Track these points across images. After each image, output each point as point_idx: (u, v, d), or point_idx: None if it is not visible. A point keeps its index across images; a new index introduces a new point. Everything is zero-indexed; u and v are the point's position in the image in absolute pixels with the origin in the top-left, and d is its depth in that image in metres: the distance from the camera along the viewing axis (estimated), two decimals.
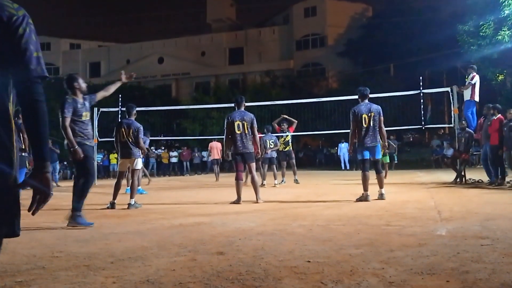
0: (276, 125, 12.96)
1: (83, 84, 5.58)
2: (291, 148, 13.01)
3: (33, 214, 1.77)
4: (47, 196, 1.79)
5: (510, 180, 10.08)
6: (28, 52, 1.71)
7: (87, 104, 5.61)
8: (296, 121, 13.19)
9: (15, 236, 1.72)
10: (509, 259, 2.96)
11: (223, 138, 8.35)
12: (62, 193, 11.96)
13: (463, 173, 10.80)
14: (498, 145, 9.58)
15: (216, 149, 18.19)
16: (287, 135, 12.82)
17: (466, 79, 11.33)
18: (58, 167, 16.99)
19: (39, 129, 1.74)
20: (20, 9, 1.73)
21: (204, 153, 25.93)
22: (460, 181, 10.69)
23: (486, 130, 9.95)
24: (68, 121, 5.40)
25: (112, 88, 6.21)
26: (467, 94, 11.10)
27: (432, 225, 4.52)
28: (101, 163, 25.59)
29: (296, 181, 12.69)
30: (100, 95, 6.01)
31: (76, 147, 5.32)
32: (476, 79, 10.91)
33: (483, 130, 10.23)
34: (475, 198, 7.22)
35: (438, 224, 4.59)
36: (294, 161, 13.07)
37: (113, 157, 25.93)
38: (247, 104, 7.98)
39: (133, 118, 7.78)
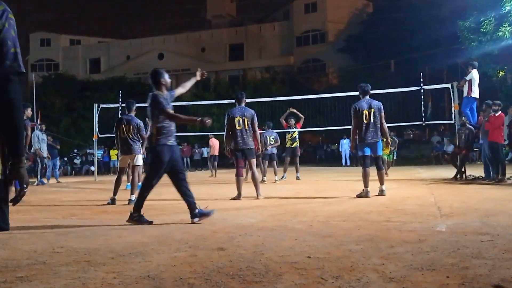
0: (283, 121, 12.93)
1: (168, 80, 5.45)
2: (298, 144, 13.02)
3: (13, 205, 1.79)
4: (22, 191, 1.79)
5: (511, 176, 10.09)
6: (5, 48, 1.69)
7: (169, 100, 5.43)
8: (304, 117, 13.18)
9: (2, 230, 1.72)
10: (509, 255, 2.96)
11: (222, 134, 8.34)
12: (62, 189, 11.99)
13: (463, 170, 10.81)
14: (499, 142, 9.57)
15: (215, 145, 18.24)
16: (294, 131, 12.82)
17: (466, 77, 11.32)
18: (58, 163, 16.97)
19: (15, 126, 1.72)
20: (0, 4, 1.72)
21: (204, 150, 25.93)
22: (460, 177, 10.70)
23: (484, 126, 9.95)
24: (171, 111, 5.22)
25: (188, 85, 6.04)
26: (464, 91, 11.09)
27: (432, 221, 4.53)
28: (101, 159, 25.59)
29: (297, 178, 12.70)
30: (178, 91, 5.84)
31: (199, 118, 5.19)
32: (471, 75, 10.84)
33: (481, 127, 10.23)
34: (475, 194, 7.22)
35: (438, 220, 4.59)
36: (298, 158, 13.09)
37: (113, 153, 25.95)
38: (247, 100, 7.97)
39: (133, 114, 7.78)
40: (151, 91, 5.19)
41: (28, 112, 9.54)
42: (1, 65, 1.68)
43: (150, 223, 4.86)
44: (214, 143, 18.31)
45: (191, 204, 4.93)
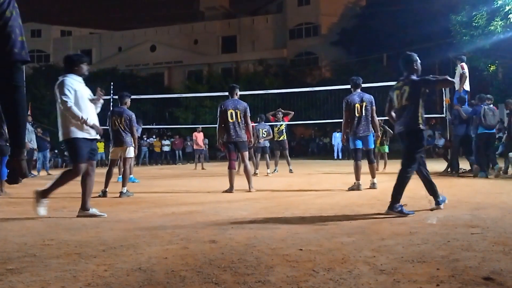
0: (270, 116, 12.93)
1: None
2: (285, 138, 12.99)
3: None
4: (17, 182, 1.78)
5: (501, 167, 10.17)
6: (14, 35, 1.66)
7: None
8: (293, 112, 13.18)
9: None
10: (498, 247, 2.99)
11: (215, 126, 8.32)
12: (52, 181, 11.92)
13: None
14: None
15: (199, 139, 18.22)
16: (281, 124, 12.81)
17: (456, 70, 11.34)
18: (48, 155, 16.83)
19: (18, 116, 1.69)
20: None
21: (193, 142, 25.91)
22: (451, 171, 10.76)
23: (475, 120, 9.99)
24: None
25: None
26: (456, 86, 11.11)
27: (423, 214, 4.56)
28: None
29: (290, 171, 12.71)
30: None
31: None
32: (460, 69, 10.85)
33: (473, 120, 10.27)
34: (465, 188, 7.28)
35: (429, 213, 4.63)
36: (287, 152, 13.08)
37: (100, 145, 25.76)
38: (240, 92, 7.95)
39: (125, 106, 7.74)
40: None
41: None
42: (10, 52, 1.65)
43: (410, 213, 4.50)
44: (198, 137, 18.28)
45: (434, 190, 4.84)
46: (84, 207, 4.96)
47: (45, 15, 53.67)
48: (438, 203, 4.82)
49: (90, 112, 4.97)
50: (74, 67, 4.98)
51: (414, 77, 4.89)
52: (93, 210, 4.96)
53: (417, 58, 5.02)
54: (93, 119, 5.00)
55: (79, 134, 4.86)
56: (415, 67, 4.94)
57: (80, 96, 4.91)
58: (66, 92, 4.79)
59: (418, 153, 4.82)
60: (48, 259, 2.95)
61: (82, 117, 4.84)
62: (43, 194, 4.93)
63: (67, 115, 4.83)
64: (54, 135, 16.97)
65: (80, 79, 5.00)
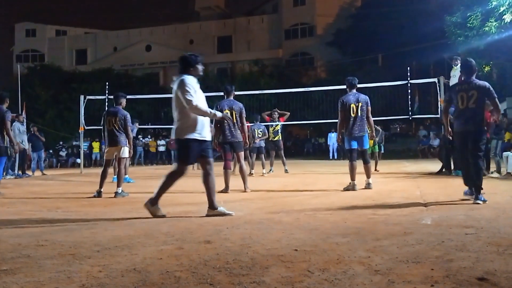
0: (265, 115, 12.93)
1: None
2: (280, 138, 13.00)
3: None
4: None
5: (494, 170, 10.22)
6: None
7: None
8: (288, 113, 13.19)
9: None
10: (492, 248, 3.00)
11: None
12: (48, 181, 11.87)
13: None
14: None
15: None
16: (277, 124, 12.82)
17: (453, 70, 11.38)
18: (43, 155, 16.75)
19: None
20: None
21: None
22: (446, 171, 10.80)
23: None
24: None
25: None
26: (453, 83, 11.16)
27: (418, 214, 4.57)
28: (88, 152, 25.35)
29: (286, 171, 12.72)
30: None
31: None
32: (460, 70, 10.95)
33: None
34: (460, 188, 7.27)
35: (423, 213, 4.64)
36: (282, 152, 13.08)
37: (95, 145, 25.70)
38: (235, 93, 7.95)
39: (120, 107, 7.72)
40: None
41: (7, 101, 9.17)
42: None
43: None
44: None
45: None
46: (212, 206, 4.81)
47: (40, 15, 53.61)
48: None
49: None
50: (190, 68, 4.87)
51: (480, 82, 5.51)
52: (221, 209, 4.83)
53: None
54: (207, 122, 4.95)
55: (192, 136, 4.78)
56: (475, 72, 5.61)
57: (199, 97, 4.85)
58: (189, 90, 4.69)
59: (483, 145, 5.58)
60: (42, 260, 2.94)
61: (210, 112, 4.90)
62: (153, 203, 4.87)
63: (189, 115, 4.75)
64: (48, 135, 16.94)
65: (196, 80, 4.91)
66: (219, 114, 5.14)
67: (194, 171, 16.11)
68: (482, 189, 5.27)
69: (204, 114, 4.82)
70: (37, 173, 15.38)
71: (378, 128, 12.79)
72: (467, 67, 5.69)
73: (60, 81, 36.78)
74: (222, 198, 6.62)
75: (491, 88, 5.41)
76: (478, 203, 5.12)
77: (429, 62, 30.41)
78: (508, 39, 15.76)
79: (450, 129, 6.03)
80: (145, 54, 48.49)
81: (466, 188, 5.69)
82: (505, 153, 9.73)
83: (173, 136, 4.92)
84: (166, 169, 20.62)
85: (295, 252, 3.02)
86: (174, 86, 4.81)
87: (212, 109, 7.72)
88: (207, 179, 4.95)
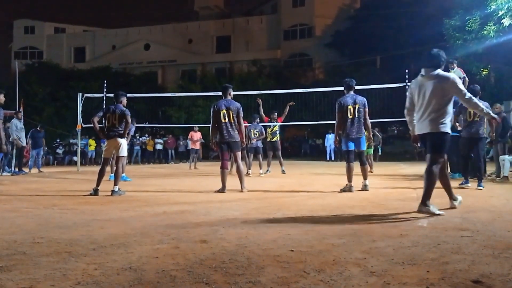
0: (263, 114, 12.91)
1: None
2: (278, 139, 13.00)
3: None
4: None
5: (491, 173, 10.25)
6: None
7: None
8: (287, 109, 13.18)
9: None
10: (488, 250, 3.01)
11: (208, 126, 8.31)
12: (44, 179, 11.84)
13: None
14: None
15: (195, 138, 18.26)
16: (275, 125, 12.81)
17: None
18: (42, 152, 16.70)
19: None
20: None
21: (189, 142, 25.84)
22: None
23: None
24: None
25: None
26: None
27: (414, 216, 4.57)
28: (85, 150, 25.28)
29: (283, 172, 12.72)
30: None
31: None
32: (460, 73, 11.01)
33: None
34: (456, 191, 7.30)
35: (419, 215, 4.64)
36: (280, 152, 13.08)
37: (92, 143, 25.64)
38: (233, 93, 7.94)
39: (121, 105, 7.72)
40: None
41: (0, 98, 9.16)
42: None
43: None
44: (194, 136, 18.30)
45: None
46: (424, 203, 4.61)
47: (39, 12, 53.52)
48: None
49: None
50: (442, 65, 4.89)
51: (484, 103, 6.62)
52: (432, 208, 4.59)
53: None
54: None
55: (449, 130, 4.72)
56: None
57: None
58: (462, 86, 4.72)
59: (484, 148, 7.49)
60: (38, 257, 2.93)
61: (482, 108, 4.84)
62: (424, 201, 4.59)
63: (447, 110, 4.69)
64: (45, 133, 16.89)
65: None
66: (487, 110, 5.04)
67: (191, 171, 16.13)
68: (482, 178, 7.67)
69: (477, 108, 4.84)
70: (34, 170, 15.34)
71: (377, 133, 12.81)
72: (475, 92, 7.40)
73: (58, 79, 36.71)
74: (218, 198, 6.63)
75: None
76: (480, 189, 7.30)
77: None
78: (506, 43, 15.80)
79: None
80: (144, 53, 48.47)
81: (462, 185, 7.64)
82: (501, 157, 9.75)
83: (424, 129, 4.77)
84: (163, 168, 20.45)
85: (291, 252, 3.02)
86: (433, 81, 4.68)
87: (211, 108, 7.78)
88: (443, 175, 4.96)
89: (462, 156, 8.25)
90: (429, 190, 4.62)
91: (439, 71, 4.75)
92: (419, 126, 4.86)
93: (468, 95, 4.72)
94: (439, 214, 4.53)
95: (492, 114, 5.07)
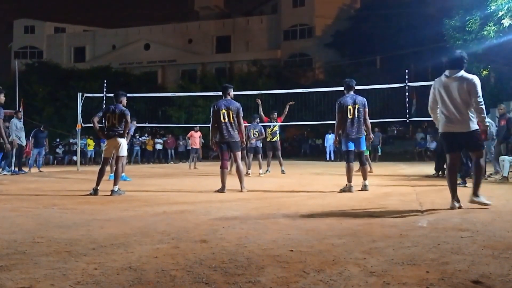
0: (263, 114, 12.91)
1: None
2: (278, 139, 13.00)
3: None
4: None
5: (491, 174, 10.25)
6: None
7: None
8: (287, 109, 13.19)
9: None
10: (488, 251, 3.01)
11: (208, 126, 8.31)
12: (44, 178, 11.84)
13: (445, 166, 10.93)
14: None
15: (196, 138, 18.28)
16: (274, 125, 12.81)
17: None
18: (43, 152, 16.69)
19: None
20: None
21: (189, 141, 25.82)
22: (442, 174, 10.82)
23: None
24: None
25: None
26: None
27: (414, 216, 4.58)
28: (85, 149, 25.26)
29: (283, 172, 12.72)
30: None
31: None
32: None
33: None
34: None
35: (419, 215, 4.65)
36: (280, 153, 13.08)
37: (91, 142, 25.62)
38: (233, 93, 7.93)
39: (120, 105, 7.72)
40: None
41: (1, 98, 9.14)
42: None
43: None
44: (195, 136, 18.32)
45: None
46: (475, 194, 5.07)
47: (39, 12, 53.50)
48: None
49: None
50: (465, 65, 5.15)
51: None
52: (482, 198, 5.05)
53: None
54: None
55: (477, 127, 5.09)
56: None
57: None
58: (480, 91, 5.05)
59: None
60: (37, 257, 2.93)
61: (484, 118, 5.09)
62: (476, 192, 5.06)
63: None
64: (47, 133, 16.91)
65: None
66: (487, 123, 5.31)
67: (191, 171, 16.13)
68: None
69: (482, 116, 5.09)
70: (34, 169, 15.34)
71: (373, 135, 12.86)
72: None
73: (58, 78, 36.69)
74: (218, 198, 6.63)
75: None
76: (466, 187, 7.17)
77: (427, 65, 30.49)
78: (507, 44, 15.78)
79: None
80: (144, 53, 48.46)
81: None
82: (501, 157, 9.76)
83: (458, 129, 5.08)
84: (163, 167, 20.42)
85: (291, 252, 3.02)
86: (457, 82, 5.01)
87: (210, 108, 7.78)
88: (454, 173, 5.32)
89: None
90: (479, 182, 5.11)
91: (463, 72, 5.08)
92: (449, 125, 5.13)
93: (482, 102, 5.01)
94: (489, 204, 5.01)
95: (485, 126, 5.20)
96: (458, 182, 7.75)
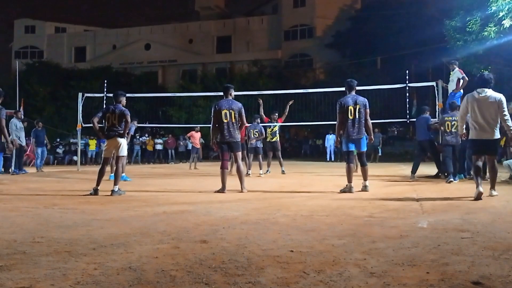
0: (263, 114, 12.91)
1: None
2: (278, 139, 13.00)
3: None
4: None
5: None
6: None
7: None
8: (287, 110, 13.19)
9: None
10: (488, 252, 3.01)
11: (209, 126, 8.31)
12: (44, 178, 11.84)
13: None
14: None
15: (196, 138, 18.30)
16: (274, 126, 12.81)
17: (450, 75, 11.40)
18: (45, 150, 16.64)
19: None
20: None
21: (189, 142, 25.82)
22: (442, 174, 10.81)
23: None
24: None
25: None
26: (451, 87, 11.21)
27: (414, 217, 4.58)
28: (85, 149, 25.26)
29: (283, 172, 12.72)
30: None
31: None
32: (458, 74, 11.01)
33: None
34: (456, 192, 7.31)
35: (419, 216, 4.65)
36: (280, 153, 13.08)
37: (92, 143, 25.62)
38: (234, 93, 7.93)
39: (120, 105, 7.71)
40: None
41: None
42: None
43: None
44: (195, 136, 18.34)
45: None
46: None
47: (39, 12, 53.41)
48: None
49: None
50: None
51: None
52: (495, 192, 6.29)
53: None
54: None
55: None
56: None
57: None
58: (506, 108, 6.17)
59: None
60: (37, 257, 2.93)
61: (510, 126, 6.16)
62: (493, 187, 6.37)
63: (498, 121, 6.19)
64: (46, 132, 16.90)
65: None
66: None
67: (191, 171, 16.13)
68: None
69: (508, 125, 6.22)
70: (33, 169, 15.35)
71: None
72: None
73: (58, 78, 36.71)
74: (218, 198, 6.63)
75: None
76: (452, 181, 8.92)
77: (427, 65, 30.46)
78: (507, 44, 15.79)
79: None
80: (144, 53, 48.44)
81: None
82: (504, 162, 9.70)
83: (485, 136, 6.20)
84: (163, 167, 20.45)
85: (291, 253, 3.02)
86: (487, 99, 6.15)
87: (211, 108, 7.78)
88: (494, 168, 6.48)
89: (448, 157, 9.57)
90: (495, 179, 6.46)
91: (491, 91, 6.22)
92: (481, 133, 6.20)
93: (508, 115, 6.12)
94: (496, 195, 6.24)
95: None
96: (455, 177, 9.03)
